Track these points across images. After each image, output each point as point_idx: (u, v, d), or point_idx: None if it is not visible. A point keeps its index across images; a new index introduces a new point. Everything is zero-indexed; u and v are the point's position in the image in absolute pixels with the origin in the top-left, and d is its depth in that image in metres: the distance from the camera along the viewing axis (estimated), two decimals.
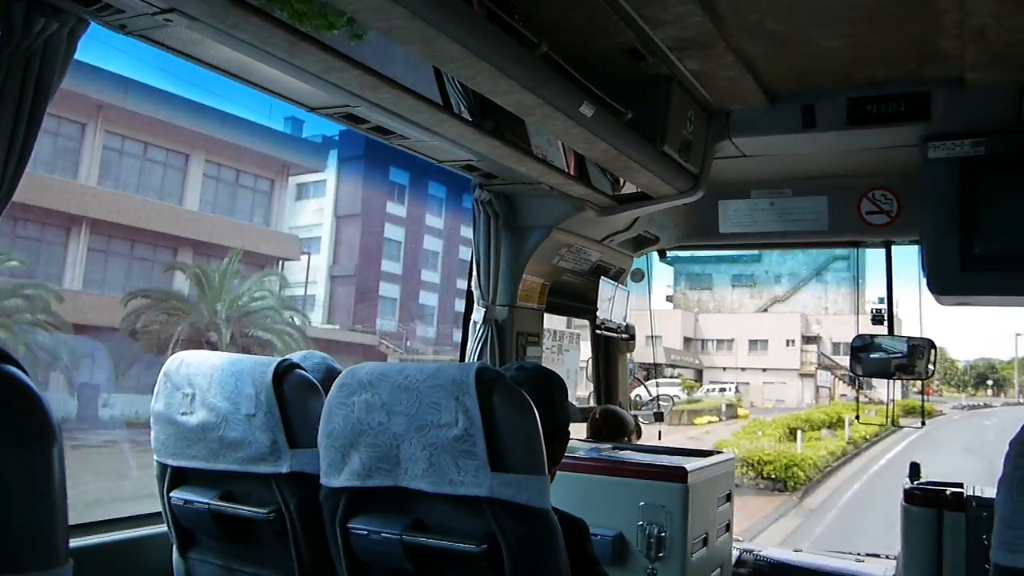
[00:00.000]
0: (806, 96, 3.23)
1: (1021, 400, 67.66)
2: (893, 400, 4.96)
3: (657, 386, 5.08)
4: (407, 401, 1.72)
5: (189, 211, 27.41)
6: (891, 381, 4.07)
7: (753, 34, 2.72)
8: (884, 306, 4.04)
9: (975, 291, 3.21)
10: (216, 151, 28.11)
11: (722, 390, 49.54)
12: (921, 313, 3.97)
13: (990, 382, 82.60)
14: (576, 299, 4.19)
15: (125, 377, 23.03)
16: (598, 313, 4.20)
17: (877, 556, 3.96)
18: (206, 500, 2.09)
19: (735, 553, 3.64)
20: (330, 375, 2.27)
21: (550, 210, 3.49)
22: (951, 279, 3.18)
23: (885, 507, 14.73)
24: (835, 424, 30.68)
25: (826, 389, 55.01)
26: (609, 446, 3.45)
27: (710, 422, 35.40)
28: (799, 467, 20.44)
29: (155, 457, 2.19)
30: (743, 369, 55.79)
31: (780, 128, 3.33)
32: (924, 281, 3.29)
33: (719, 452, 3.38)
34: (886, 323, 4.03)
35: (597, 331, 4.36)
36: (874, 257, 4.21)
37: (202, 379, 2.06)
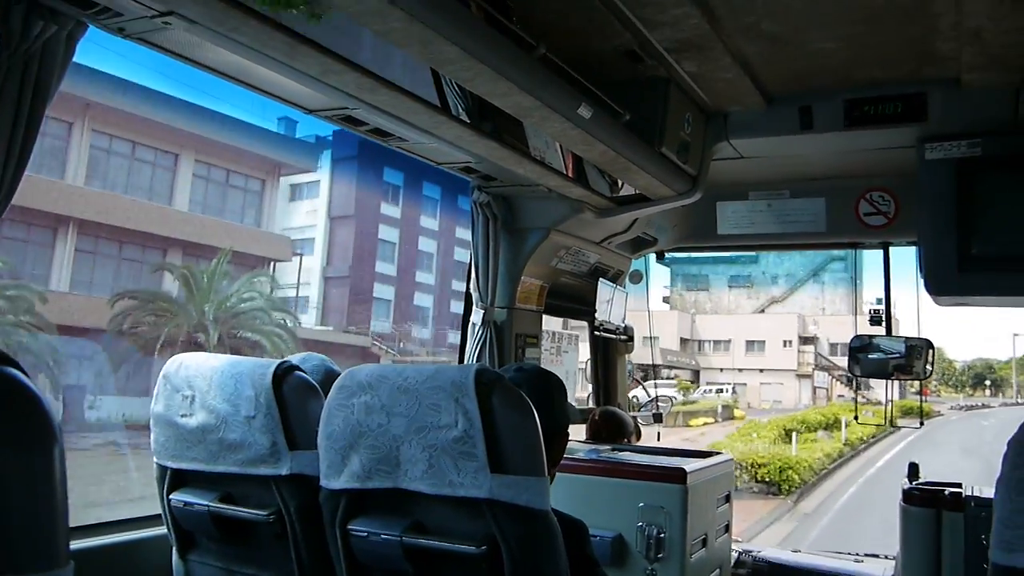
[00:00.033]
0: (803, 97, 3.24)
1: (1019, 400, 67.68)
2: (891, 401, 4.96)
3: (656, 387, 5.08)
4: (407, 403, 1.72)
5: (179, 211, 27.07)
6: (889, 381, 4.07)
7: (750, 36, 2.72)
8: (882, 307, 4.04)
9: (972, 292, 3.22)
10: (206, 151, 27.73)
11: (719, 391, 49.43)
12: (919, 314, 3.97)
13: (988, 382, 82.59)
14: (575, 301, 4.19)
15: (113, 379, 22.82)
16: (597, 315, 4.20)
17: (876, 556, 3.96)
18: (206, 502, 2.09)
19: (734, 554, 3.64)
20: (329, 377, 2.28)
21: (548, 212, 3.50)
22: (948, 280, 3.18)
23: (882, 511, 14.46)
24: (832, 425, 30.45)
25: (823, 390, 54.98)
26: (608, 447, 3.45)
27: (705, 423, 35.14)
28: (793, 470, 20.22)
29: (155, 459, 2.19)
30: (740, 370, 55.70)
31: (778, 129, 3.33)
32: (922, 282, 3.30)
33: (718, 453, 3.38)
34: (884, 324, 4.03)
35: (596, 333, 4.36)
36: (871, 258, 4.23)
37: (202, 381, 2.06)
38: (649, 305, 4.96)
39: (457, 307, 40.01)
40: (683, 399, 42.59)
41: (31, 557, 0.96)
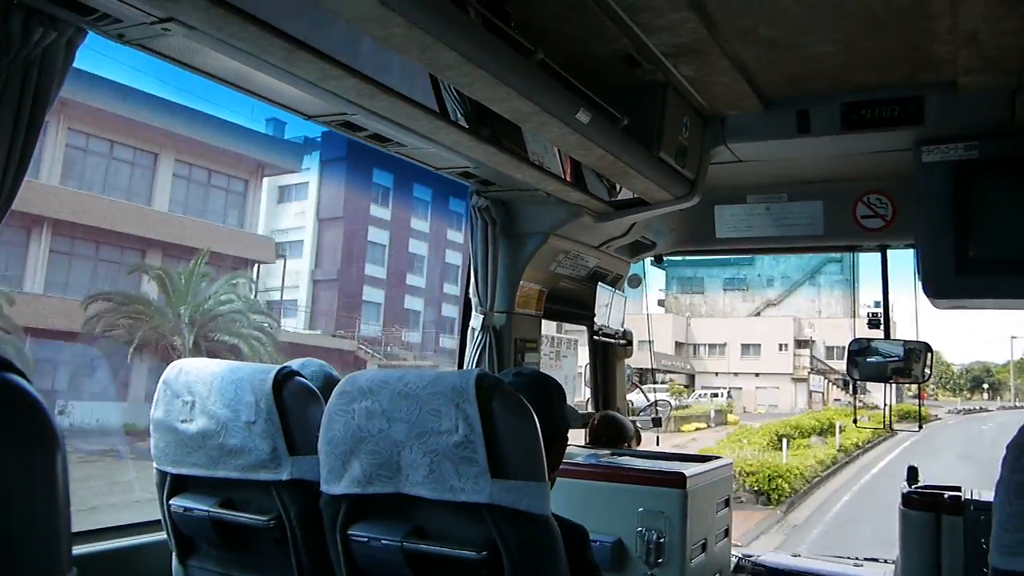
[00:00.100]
0: (800, 101, 3.24)
1: (1017, 404, 67.57)
2: (888, 405, 4.96)
3: (655, 391, 5.08)
4: (407, 408, 1.72)
5: (158, 212, 26.40)
6: (888, 385, 4.08)
7: (747, 40, 2.73)
8: (880, 310, 4.05)
9: (970, 294, 3.23)
10: (187, 150, 27.09)
11: (714, 395, 49.18)
12: (917, 316, 3.97)
13: (986, 386, 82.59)
14: (574, 305, 4.19)
15: (87, 384, 22.44)
16: (596, 319, 4.20)
17: (875, 561, 3.96)
18: (206, 507, 2.08)
19: (733, 558, 3.64)
20: (329, 382, 2.28)
21: (547, 216, 3.50)
22: (946, 282, 3.19)
23: (876, 521, 14.16)
24: (826, 431, 29.82)
25: (819, 394, 54.84)
26: (608, 452, 3.45)
27: (697, 428, 34.55)
28: (783, 478, 19.50)
29: (154, 465, 2.18)
30: (736, 374, 55.44)
31: (775, 133, 3.34)
32: (919, 284, 3.30)
33: (717, 457, 3.39)
34: (882, 327, 4.04)
35: (595, 337, 4.36)
36: (868, 260, 4.23)
37: (202, 387, 2.06)
38: (646, 308, 4.97)
39: (448, 310, 40.18)
40: (676, 404, 42.33)
41: (33, 564, 0.95)
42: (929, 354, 3.79)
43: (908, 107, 3.09)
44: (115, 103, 23.64)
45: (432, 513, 1.76)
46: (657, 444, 4.37)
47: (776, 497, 19.15)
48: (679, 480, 2.84)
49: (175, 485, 2.16)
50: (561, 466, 2.27)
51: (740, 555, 3.78)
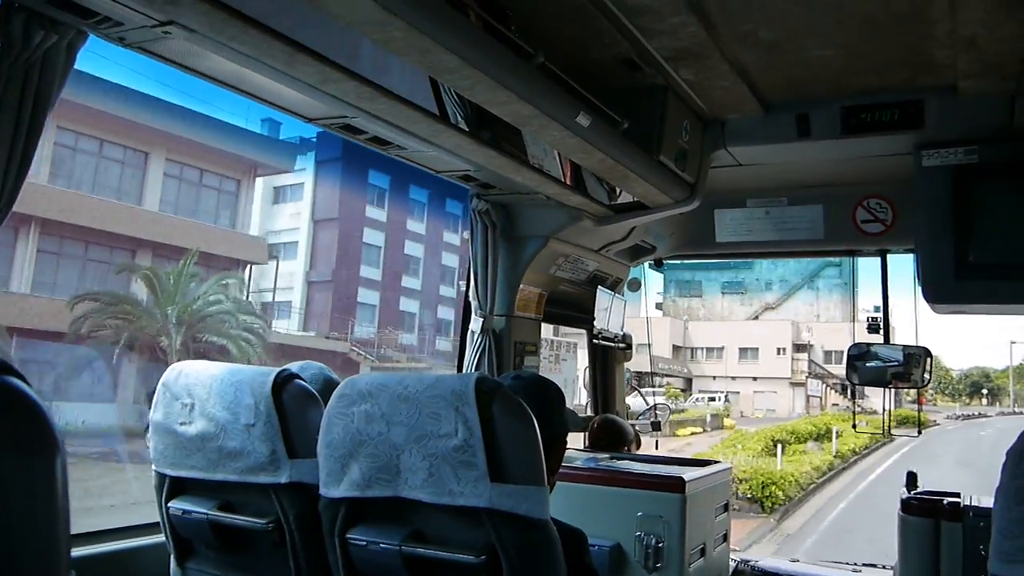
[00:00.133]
0: (800, 105, 3.24)
1: (1016, 410, 67.42)
2: (887, 410, 4.95)
3: (654, 395, 5.08)
4: (407, 411, 1.72)
5: (148, 211, 26.00)
6: (887, 390, 4.08)
7: (747, 44, 2.73)
8: (880, 315, 4.05)
9: (970, 299, 3.22)
10: (178, 149, 26.70)
11: (711, 399, 48.96)
12: (917, 321, 3.97)
13: (985, 391, 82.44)
14: (573, 308, 4.19)
15: (75, 384, 22.17)
16: (595, 323, 4.20)
17: (874, 566, 3.96)
18: (204, 510, 2.08)
19: (732, 563, 3.64)
20: (328, 385, 2.28)
21: (547, 220, 3.50)
22: (946, 287, 3.19)
23: (872, 530, 14.04)
24: (823, 436, 29.35)
25: (817, 399, 54.68)
26: (606, 456, 3.45)
27: (693, 433, 34.12)
28: (777, 485, 18.93)
29: (153, 467, 2.18)
30: (733, 378, 55.14)
31: (775, 137, 3.34)
32: (919, 289, 3.30)
33: (716, 462, 3.39)
34: (882, 332, 4.04)
35: (594, 341, 4.36)
36: (866, 264, 4.23)
37: (201, 389, 2.06)
38: (646, 312, 4.96)
39: (444, 312, 40.02)
40: (673, 407, 42.02)
41: (33, 567, 0.95)
42: (928, 359, 3.79)
43: (908, 111, 3.09)
44: (105, 101, 23.18)
45: (431, 517, 1.76)
46: (656, 448, 4.36)
47: (770, 505, 18.68)
48: (678, 484, 2.84)
49: (174, 487, 2.15)
50: (560, 470, 2.27)
51: (739, 560, 3.78)
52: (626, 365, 4.74)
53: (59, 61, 1.75)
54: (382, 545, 1.77)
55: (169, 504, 2.15)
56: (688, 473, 2.93)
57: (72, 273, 24.21)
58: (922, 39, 2.65)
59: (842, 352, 4.02)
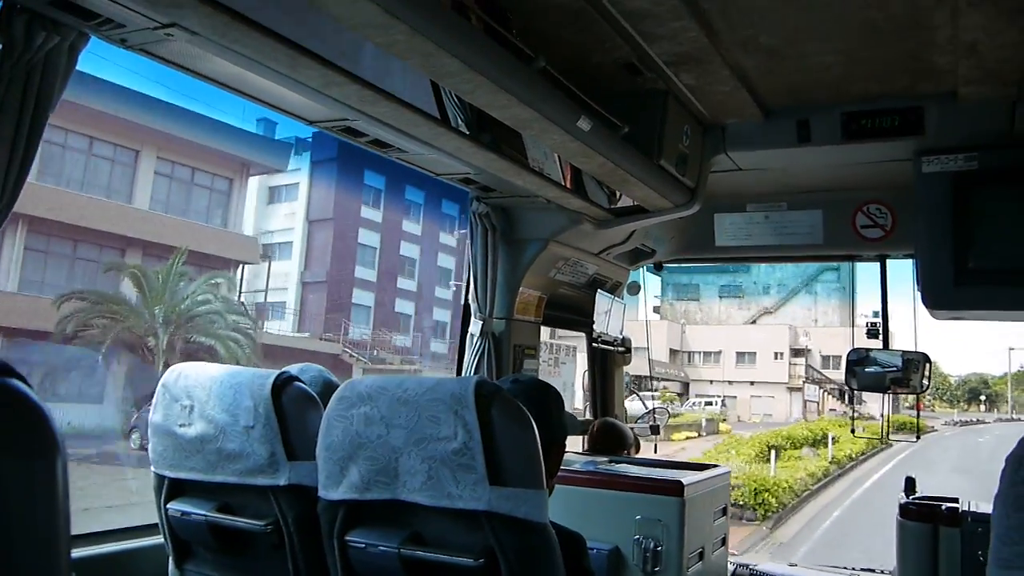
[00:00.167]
0: (801, 110, 3.25)
1: (1015, 416, 67.41)
2: (884, 416, 4.96)
3: (653, 399, 5.08)
4: (406, 414, 1.72)
5: (138, 210, 25.72)
6: (885, 395, 4.08)
7: (748, 49, 2.74)
8: (879, 320, 4.05)
9: (969, 305, 3.22)
10: (169, 148, 26.43)
11: (708, 404, 48.80)
12: (916, 327, 3.98)
13: (983, 397, 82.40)
14: (573, 312, 4.19)
15: (62, 385, 21.88)
16: (595, 326, 4.20)
17: (872, 571, 3.96)
18: (203, 512, 2.08)
19: (731, 567, 3.64)
20: (328, 388, 2.28)
21: (547, 223, 3.51)
22: (945, 293, 3.19)
23: (869, 539, 13.88)
24: (819, 442, 28.90)
25: (814, 403, 54.51)
26: (605, 459, 3.45)
27: (688, 438, 33.77)
28: (770, 492, 18.67)
29: (152, 468, 2.18)
30: (730, 382, 54.93)
31: (775, 142, 3.35)
32: (918, 295, 3.30)
33: (715, 466, 3.38)
34: (881, 337, 4.04)
35: (594, 344, 4.36)
36: (865, 269, 4.24)
37: (201, 391, 2.06)
38: (646, 315, 4.97)
39: (440, 314, 39.80)
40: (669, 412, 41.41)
41: (33, 568, 0.95)
42: (927, 365, 3.80)
43: (908, 117, 3.10)
44: (95, 98, 22.74)
45: (430, 520, 1.76)
46: (655, 452, 4.36)
47: (763, 512, 18.43)
48: (677, 488, 2.84)
49: (173, 489, 2.15)
50: (559, 473, 2.27)
51: (737, 564, 3.78)
52: (624, 369, 4.74)
53: (60, 63, 1.75)
54: (381, 548, 1.77)
55: (168, 505, 2.14)
56: (687, 477, 2.93)
57: (60, 272, 24.04)
58: (923, 45, 2.65)
59: (840, 357, 4.03)
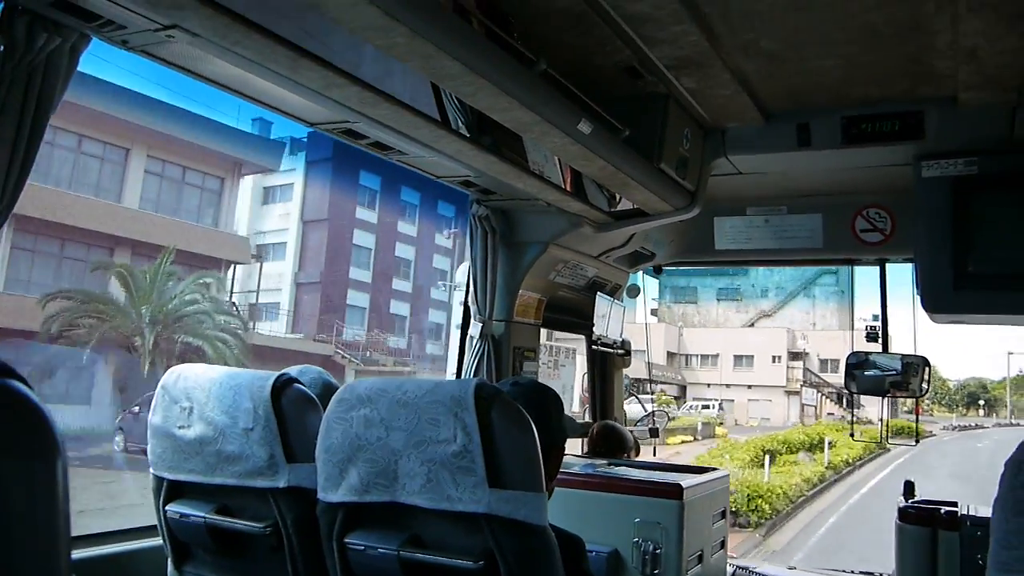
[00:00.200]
0: (801, 114, 3.25)
1: (1014, 421, 67.27)
2: (882, 420, 4.96)
3: (652, 402, 5.08)
4: (406, 417, 1.72)
5: (128, 209, 25.35)
6: (884, 399, 4.08)
7: (748, 53, 2.74)
8: (878, 324, 4.05)
9: (968, 309, 3.23)
10: (160, 146, 26.03)
11: (705, 407, 48.52)
12: (915, 331, 3.98)
13: (982, 402, 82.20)
14: (573, 314, 4.19)
15: (46, 386, 21.32)
16: (594, 329, 4.21)
17: (871, 574, 3.96)
18: (202, 514, 2.08)
19: (730, 569, 3.63)
20: (327, 390, 2.27)
21: (547, 226, 3.51)
22: (944, 297, 3.20)
23: (863, 546, 13.68)
24: (815, 446, 28.31)
25: (812, 407, 54.29)
26: (604, 462, 3.45)
27: (683, 441, 33.11)
28: (764, 498, 18.13)
29: (151, 470, 2.18)
30: (728, 386, 54.58)
31: (775, 146, 3.35)
32: (918, 299, 3.31)
33: (714, 469, 3.38)
34: (880, 341, 4.04)
35: (593, 347, 4.36)
36: (863, 272, 4.24)
37: (200, 393, 2.06)
38: (645, 318, 4.97)
39: (436, 316, 39.52)
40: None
41: (33, 569, 0.95)
42: (926, 368, 3.80)
43: (908, 122, 3.10)
44: (84, 96, 22.13)
45: (429, 522, 1.75)
46: (654, 455, 4.36)
47: (756, 519, 17.87)
48: (676, 491, 2.84)
49: (172, 491, 2.15)
50: (558, 476, 2.27)
51: (736, 567, 3.78)
52: (627, 372, 4.74)
53: (62, 64, 1.75)
54: (380, 550, 1.77)
55: (167, 507, 2.14)
56: (686, 480, 2.93)
57: (47, 271, 23.73)
58: (923, 50, 2.66)
59: (838, 361, 4.05)
